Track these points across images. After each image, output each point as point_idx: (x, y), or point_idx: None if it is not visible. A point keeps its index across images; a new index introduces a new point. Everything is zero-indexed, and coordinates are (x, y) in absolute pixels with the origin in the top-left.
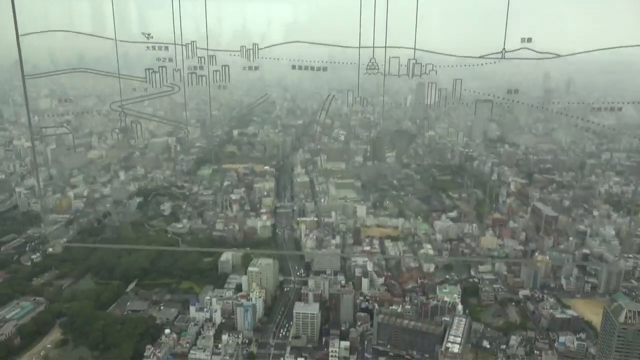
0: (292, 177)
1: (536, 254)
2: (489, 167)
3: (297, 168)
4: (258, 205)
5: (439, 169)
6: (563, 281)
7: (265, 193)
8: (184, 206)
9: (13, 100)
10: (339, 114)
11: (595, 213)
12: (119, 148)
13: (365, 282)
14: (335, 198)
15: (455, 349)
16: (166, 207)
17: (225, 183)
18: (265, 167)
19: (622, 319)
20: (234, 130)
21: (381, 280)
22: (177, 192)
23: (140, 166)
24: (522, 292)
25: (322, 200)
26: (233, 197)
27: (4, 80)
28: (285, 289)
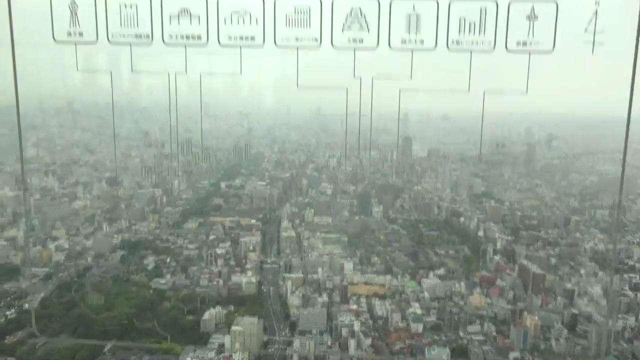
0: (278, 231)
1: (524, 313)
2: (475, 223)
3: (284, 222)
4: (244, 260)
5: (426, 225)
6: (553, 342)
7: (251, 247)
8: (167, 260)
9: None
10: (326, 167)
11: (582, 271)
12: (104, 199)
13: (352, 342)
14: (322, 253)
15: None
16: (149, 261)
17: (211, 237)
18: (252, 221)
19: None
20: (221, 182)
21: (368, 341)
22: (161, 246)
23: (125, 218)
24: (513, 355)
25: (309, 255)
26: (218, 251)
27: None
28: (270, 350)
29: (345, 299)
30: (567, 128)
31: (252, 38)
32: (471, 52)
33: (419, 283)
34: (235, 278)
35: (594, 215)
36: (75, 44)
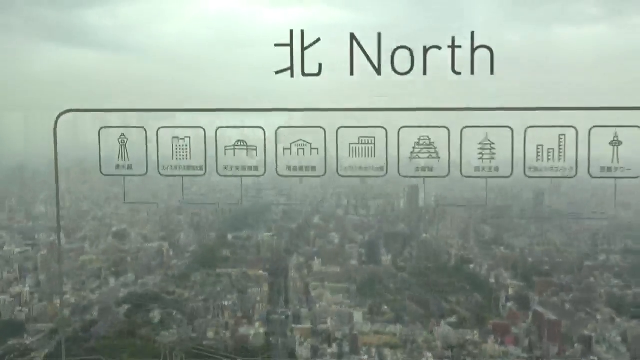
0: (286, 281)
1: None
2: (486, 270)
3: (291, 272)
4: (251, 312)
5: (435, 272)
6: None
7: (258, 298)
8: (174, 313)
9: (9, 205)
10: (333, 216)
11: (599, 317)
12: (111, 253)
13: None
14: (331, 303)
15: None
16: (156, 314)
17: (218, 289)
18: (259, 272)
19: None
20: (228, 233)
21: None
22: (167, 299)
23: (132, 272)
24: None
25: (317, 305)
26: (225, 303)
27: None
28: None
29: (355, 350)
30: None
31: (313, 168)
32: (551, 179)
33: (431, 332)
34: (242, 330)
35: (607, 260)
36: (124, 177)
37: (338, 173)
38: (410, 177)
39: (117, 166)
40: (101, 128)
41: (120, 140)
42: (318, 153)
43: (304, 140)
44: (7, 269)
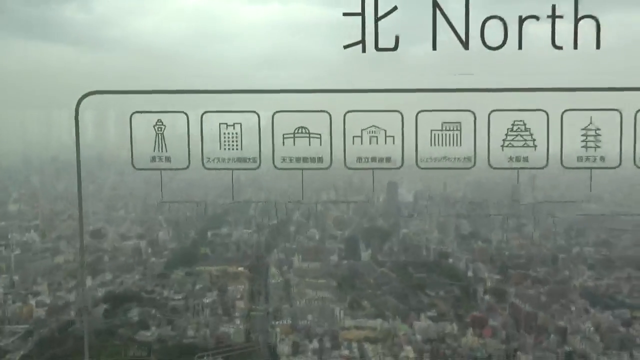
0: (266, 278)
1: (518, 353)
2: (464, 264)
3: (272, 269)
4: (231, 309)
5: (415, 267)
6: None
7: (238, 296)
8: (153, 312)
9: None
10: (314, 213)
11: (573, 308)
12: (88, 252)
13: None
14: (312, 299)
15: None
16: (134, 313)
17: (197, 286)
18: (239, 269)
19: None
20: (208, 231)
21: None
22: (146, 297)
23: (109, 271)
24: None
25: (298, 302)
26: (205, 301)
27: None
28: None
29: (336, 345)
30: None
31: (388, 159)
32: None
33: (411, 326)
34: (223, 327)
35: (581, 252)
36: (161, 171)
37: (417, 165)
38: (502, 168)
39: (153, 158)
40: (133, 113)
41: (155, 127)
42: (394, 142)
43: (377, 127)
44: None
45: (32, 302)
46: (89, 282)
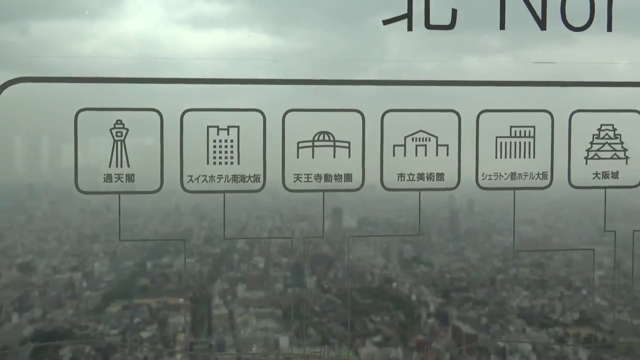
0: (209, 308)
1: None
2: (408, 288)
3: (215, 299)
4: (172, 343)
5: (360, 293)
6: None
7: (180, 328)
8: (86, 350)
9: None
10: (258, 241)
11: (511, 328)
12: (14, 287)
13: None
14: (256, 329)
15: None
16: (65, 351)
17: (135, 320)
18: (180, 300)
19: None
20: (147, 261)
21: None
22: (79, 334)
23: (39, 307)
24: None
25: (242, 332)
26: (143, 335)
27: None
28: None
29: None
30: None
31: (440, 176)
32: None
33: (356, 352)
34: None
35: (518, 274)
36: (119, 196)
37: (478, 184)
38: (586, 187)
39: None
40: (80, 110)
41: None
42: (448, 153)
43: (426, 132)
44: None
45: None
46: (15, 319)
